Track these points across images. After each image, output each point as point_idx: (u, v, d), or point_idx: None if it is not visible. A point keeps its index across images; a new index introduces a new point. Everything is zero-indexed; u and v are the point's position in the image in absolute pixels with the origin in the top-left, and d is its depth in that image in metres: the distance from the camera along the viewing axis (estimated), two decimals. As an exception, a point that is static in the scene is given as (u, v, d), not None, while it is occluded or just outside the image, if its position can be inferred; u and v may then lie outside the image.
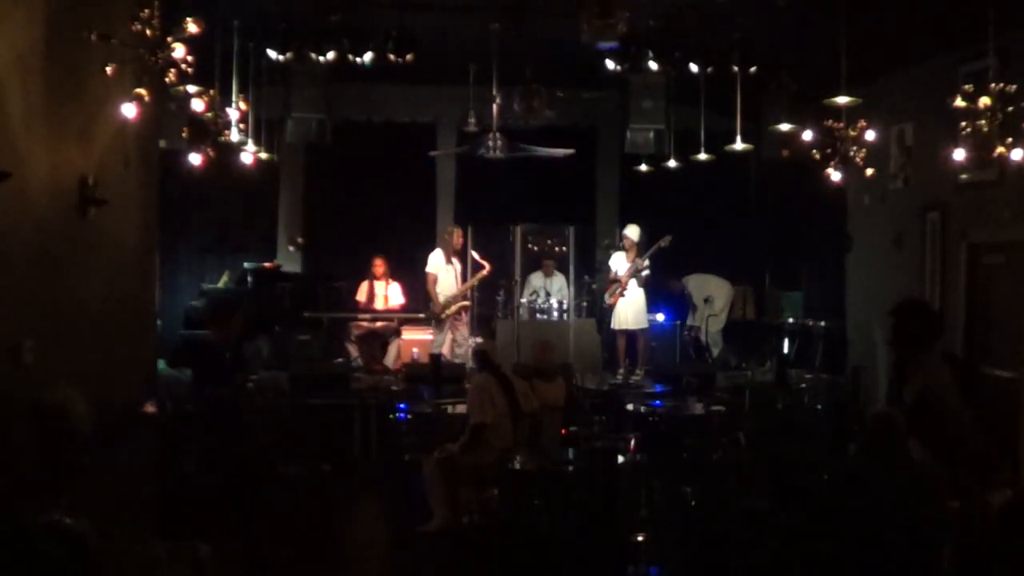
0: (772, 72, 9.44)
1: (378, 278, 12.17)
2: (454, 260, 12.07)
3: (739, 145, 9.70)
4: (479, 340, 10.81)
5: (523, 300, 12.36)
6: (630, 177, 12.79)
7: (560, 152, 11.51)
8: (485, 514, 7.40)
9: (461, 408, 8.88)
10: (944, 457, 5.35)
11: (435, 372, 9.99)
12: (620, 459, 7.83)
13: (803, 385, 10.54)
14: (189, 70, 5.28)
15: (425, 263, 12.07)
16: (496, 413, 7.59)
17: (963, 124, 6.26)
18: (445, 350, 11.70)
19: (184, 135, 7.39)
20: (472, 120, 10.91)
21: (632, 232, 11.77)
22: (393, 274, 12.32)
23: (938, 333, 6.22)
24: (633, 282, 11.63)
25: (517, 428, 7.72)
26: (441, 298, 11.85)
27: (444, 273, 11.95)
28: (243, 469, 6.75)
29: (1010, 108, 6.05)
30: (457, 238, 12.09)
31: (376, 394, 10.23)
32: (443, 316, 11.89)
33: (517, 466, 7.32)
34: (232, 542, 5.98)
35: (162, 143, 8.32)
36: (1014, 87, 6.10)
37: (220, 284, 12.53)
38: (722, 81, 9.17)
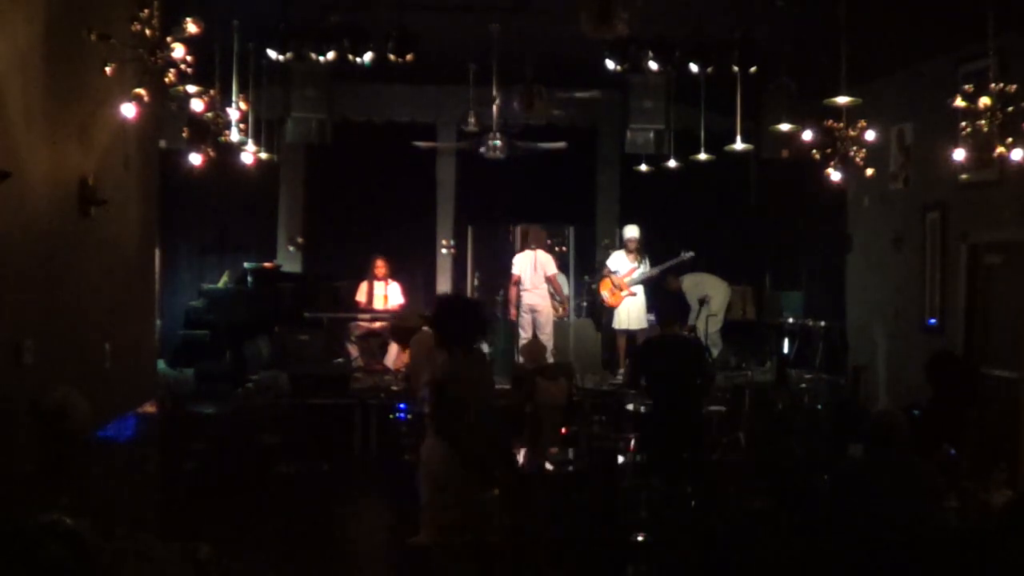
0: (772, 72, 9.44)
1: (379, 278, 12.16)
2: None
3: (739, 145, 9.70)
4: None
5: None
6: (630, 177, 12.77)
7: (554, 145, 11.44)
8: (485, 514, 7.38)
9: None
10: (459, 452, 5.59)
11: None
12: (620, 459, 7.84)
13: (803, 385, 10.53)
14: (189, 70, 5.28)
15: (424, 263, 12.01)
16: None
17: (963, 124, 6.26)
18: None
19: (184, 135, 7.40)
20: (472, 120, 10.90)
21: (635, 232, 11.76)
22: (393, 274, 12.31)
23: (482, 331, 6.81)
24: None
25: None
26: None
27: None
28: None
29: (1010, 108, 6.03)
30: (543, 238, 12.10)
31: (376, 394, 10.23)
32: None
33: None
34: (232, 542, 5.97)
35: (162, 143, 8.31)
36: (1014, 87, 6.09)
37: (220, 284, 12.52)
38: (722, 81, 9.18)
